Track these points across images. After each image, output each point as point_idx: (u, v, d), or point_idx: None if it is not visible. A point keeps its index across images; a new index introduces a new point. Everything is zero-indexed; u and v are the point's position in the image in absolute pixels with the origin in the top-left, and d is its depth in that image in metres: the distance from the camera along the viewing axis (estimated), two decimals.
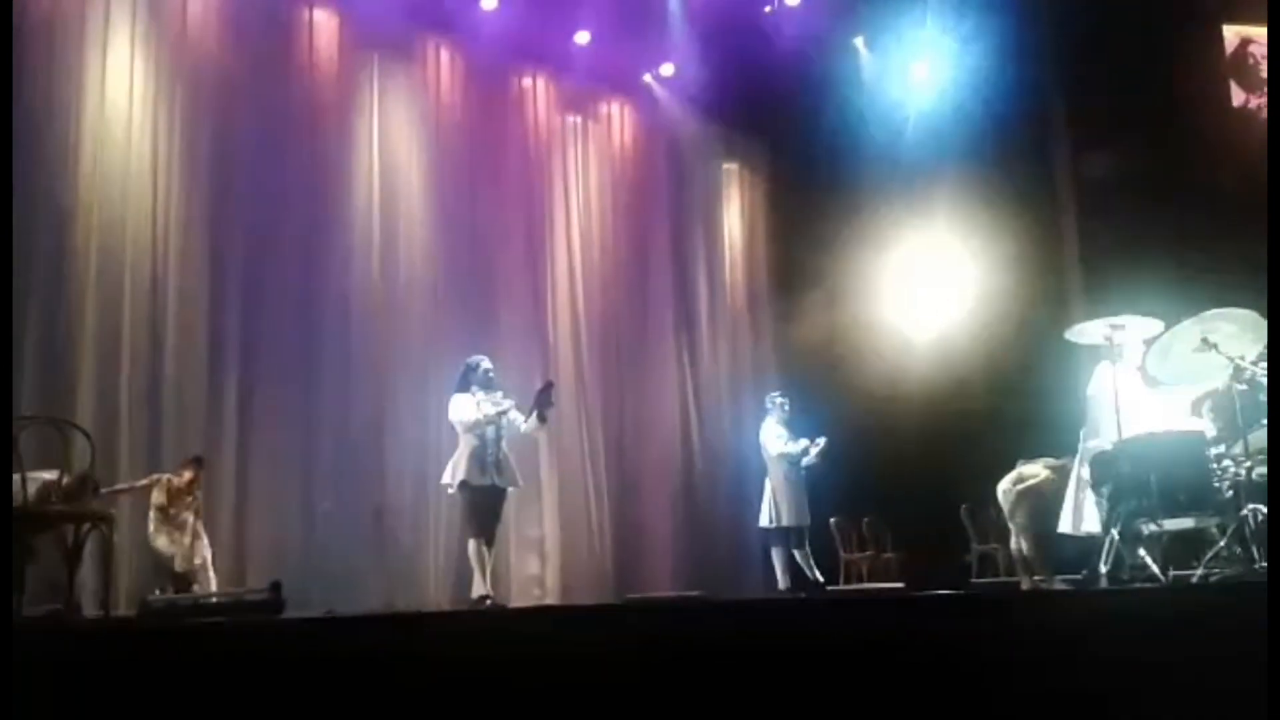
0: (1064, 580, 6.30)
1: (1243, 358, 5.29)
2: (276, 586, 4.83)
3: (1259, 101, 10.31)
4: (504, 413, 7.05)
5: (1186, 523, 5.37)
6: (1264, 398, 5.24)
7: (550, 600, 9.13)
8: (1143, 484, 5.31)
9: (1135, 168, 9.29)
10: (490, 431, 7.04)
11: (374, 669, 2.84)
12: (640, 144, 11.20)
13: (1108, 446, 5.65)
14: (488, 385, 7.15)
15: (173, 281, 7.69)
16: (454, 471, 7.02)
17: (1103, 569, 5.36)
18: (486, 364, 7.24)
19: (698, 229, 11.45)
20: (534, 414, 7.14)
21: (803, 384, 10.13)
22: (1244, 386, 5.27)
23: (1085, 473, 5.88)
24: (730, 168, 11.93)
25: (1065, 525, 6.02)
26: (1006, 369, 9.59)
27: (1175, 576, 5.22)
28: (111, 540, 5.27)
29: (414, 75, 9.45)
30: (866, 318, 10.96)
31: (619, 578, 9.71)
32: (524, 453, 7.92)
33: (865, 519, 10.25)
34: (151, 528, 6.82)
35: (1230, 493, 5.24)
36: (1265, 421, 5.22)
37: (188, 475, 6.97)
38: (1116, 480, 5.51)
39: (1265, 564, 4.85)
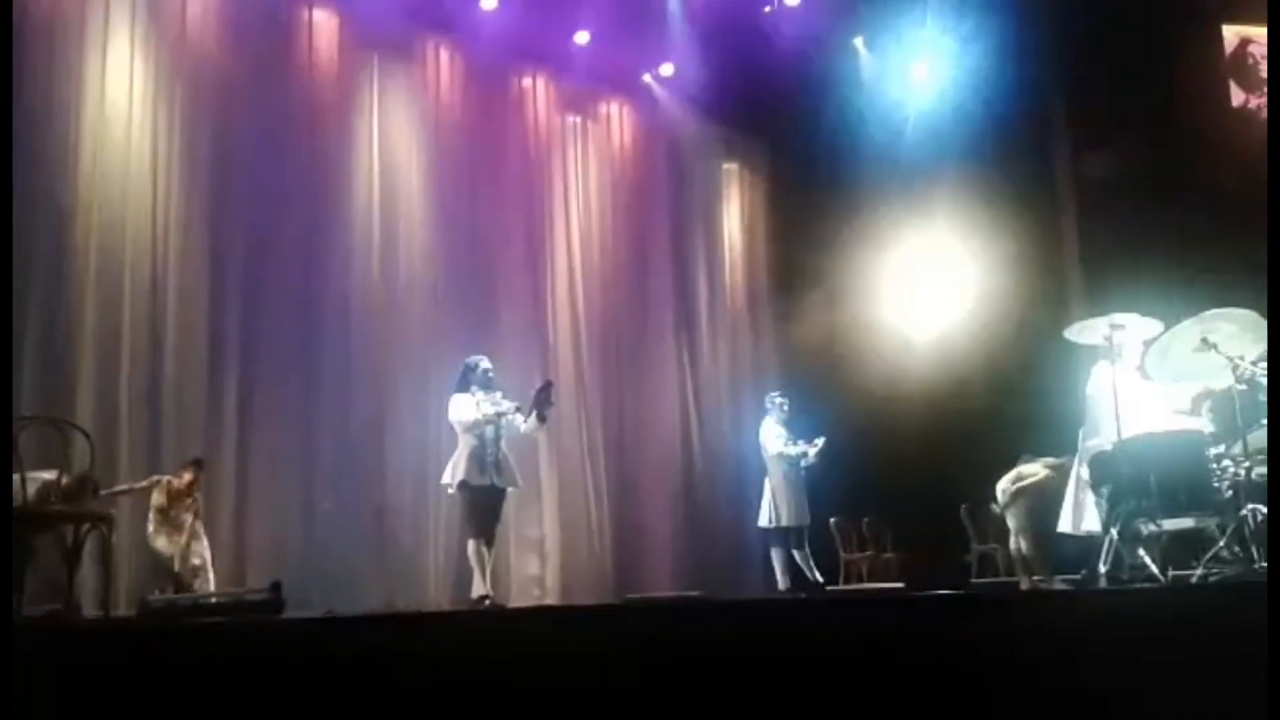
0: (1063, 580, 6.30)
1: (1242, 358, 5.30)
2: (276, 586, 4.82)
3: (1259, 101, 10.31)
4: (504, 414, 7.05)
5: (1186, 523, 5.37)
6: (1263, 398, 5.24)
7: (550, 600, 9.13)
8: (1142, 484, 5.32)
9: (1135, 168, 9.29)
10: (490, 431, 7.03)
11: (374, 669, 2.84)
12: (640, 144, 11.20)
13: (1107, 446, 5.65)
14: (487, 385, 7.15)
15: (173, 281, 7.68)
16: (454, 471, 7.02)
17: (1102, 569, 5.36)
18: (486, 364, 7.23)
19: (697, 229, 11.45)
20: (534, 414, 7.14)
21: (803, 384, 10.13)
22: (1244, 386, 5.27)
23: (1085, 472, 5.88)
24: (730, 168, 11.93)
25: (1065, 524, 6.03)
26: (1006, 369, 9.59)
27: (1175, 576, 5.22)
28: (111, 541, 5.27)
29: (414, 75, 9.44)
30: (866, 318, 10.96)
31: (619, 578, 9.71)
32: (524, 453, 7.92)
33: (865, 519, 10.25)
34: (151, 529, 6.82)
35: (1230, 493, 5.25)
36: (1265, 421, 5.23)
37: (187, 477, 6.96)
38: (1116, 480, 5.51)
39: (1265, 564, 4.85)
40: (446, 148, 9.49)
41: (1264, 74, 10.28)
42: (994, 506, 7.81)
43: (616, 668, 3.06)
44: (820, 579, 8.94)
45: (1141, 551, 5.28)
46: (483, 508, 7.05)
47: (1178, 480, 5.30)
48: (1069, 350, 6.33)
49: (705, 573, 9.82)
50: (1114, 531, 5.40)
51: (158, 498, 6.83)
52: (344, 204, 8.76)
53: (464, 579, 7.29)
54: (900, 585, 9.04)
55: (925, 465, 9.68)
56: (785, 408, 9.25)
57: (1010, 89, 9.88)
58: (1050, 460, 7.28)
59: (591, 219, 10.69)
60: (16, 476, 4.81)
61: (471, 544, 7.02)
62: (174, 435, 7.44)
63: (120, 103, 7.61)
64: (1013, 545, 7.59)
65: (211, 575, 6.94)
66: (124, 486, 6.72)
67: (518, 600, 8.75)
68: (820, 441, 8.98)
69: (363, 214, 8.85)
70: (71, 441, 5.35)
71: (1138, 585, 5.16)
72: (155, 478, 6.92)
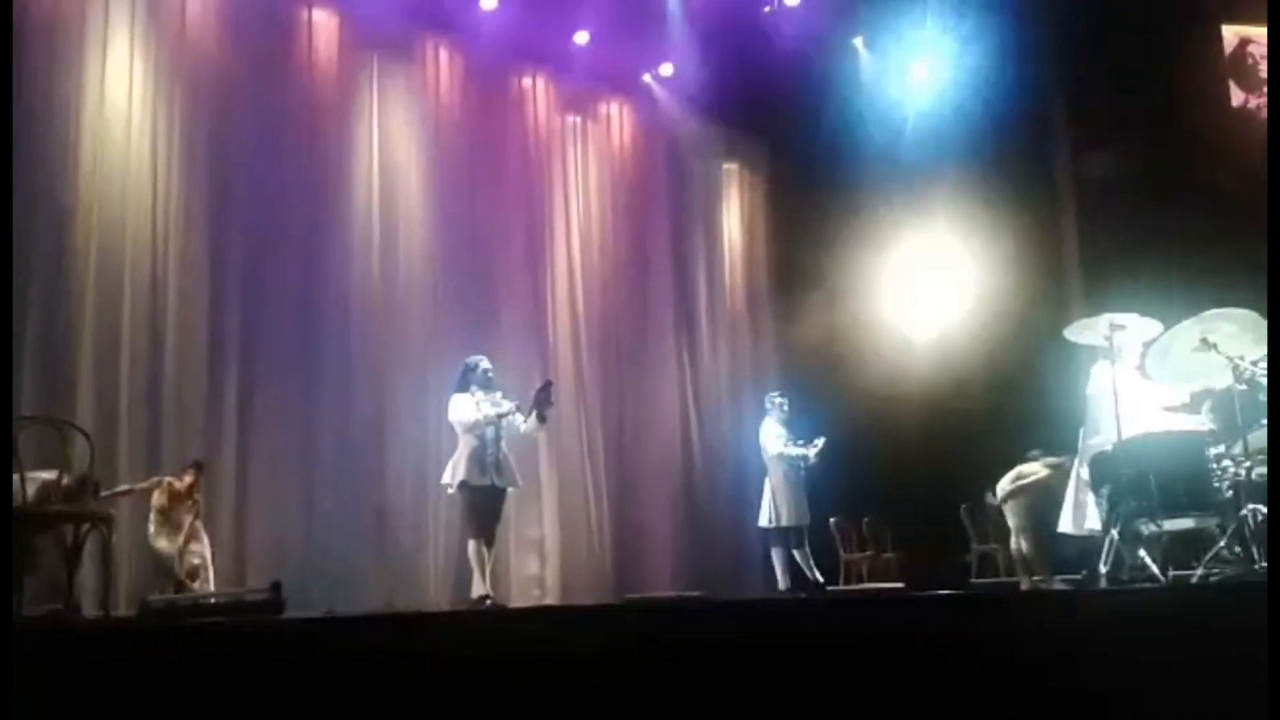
0: (1064, 580, 6.30)
1: (1242, 358, 5.29)
2: (277, 587, 4.82)
3: (1258, 102, 10.31)
4: (504, 414, 7.05)
5: (1186, 523, 5.38)
6: (1264, 398, 5.24)
7: (550, 600, 9.13)
8: (1142, 484, 5.32)
9: (1135, 168, 9.29)
10: (490, 432, 7.03)
11: (374, 669, 2.84)
12: (640, 144, 11.20)
13: (1107, 446, 5.65)
14: (487, 385, 7.15)
15: (172, 281, 7.68)
16: (454, 472, 7.02)
17: (1102, 569, 5.36)
18: (486, 364, 7.23)
19: (697, 229, 11.45)
20: (533, 414, 7.14)
21: (803, 384, 10.14)
22: (1244, 387, 5.27)
23: (1086, 472, 5.88)
24: (730, 168, 11.93)
25: (1066, 525, 6.02)
26: (1006, 369, 9.59)
27: (1175, 577, 5.22)
28: (111, 541, 5.27)
29: (413, 75, 9.44)
30: (866, 318, 10.96)
31: (619, 578, 9.70)
32: (524, 453, 7.92)
33: (865, 519, 10.25)
34: (152, 529, 6.83)
35: (1230, 493, 5.24)
36: (1265, 421, 5.22)
37: (188, 479, 6.98)
38: (1116, 480, 5.51)
39: (1265, 564, 4.85)
40: (446, 148, 9.49)
41: (1264, 74, 10.28)
42: (989, 497, 7.78)
43: (616, 668, 3.06)
44: (820, 579, 8.94)
45: (1142, 552, 5.28)
46: (483, 508, 7.05)
47: (1178, 480, 5.29)
48: (1069, 350, 6.33)
49: (705, 573, 9.82)
50: (1114, 532, 5.40)
51: (159, 499, 6.85)
52: (344, 204, 8.76)
53: (464, 579, 7.29)
54: (900, 585, 9.04)
55: (925, 465, 9.68)
56: (785, 408, 9.25)
57: (1010, 89, 9.88)
58: (1051, 460, 7.28)
59: (591, 219, 10.69)
60: (16, 476, 4.81)
61: (472, 544, 7.02)
62: (174, 435, 7.44)
63: (120, 103, 7.61)
64: (1013, 545, 7.59)
65: (212, 575, 6.95)
66: (125, 487, 6.72)
67: (518, 600, 8.75)
68: (820, 442, 8.99)
69: (362, 214, 8.85)
70: (71, 442, 5.34)
71: (1138, 585, 5.16)
72: (156, 479, 6.93)
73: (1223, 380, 5.39)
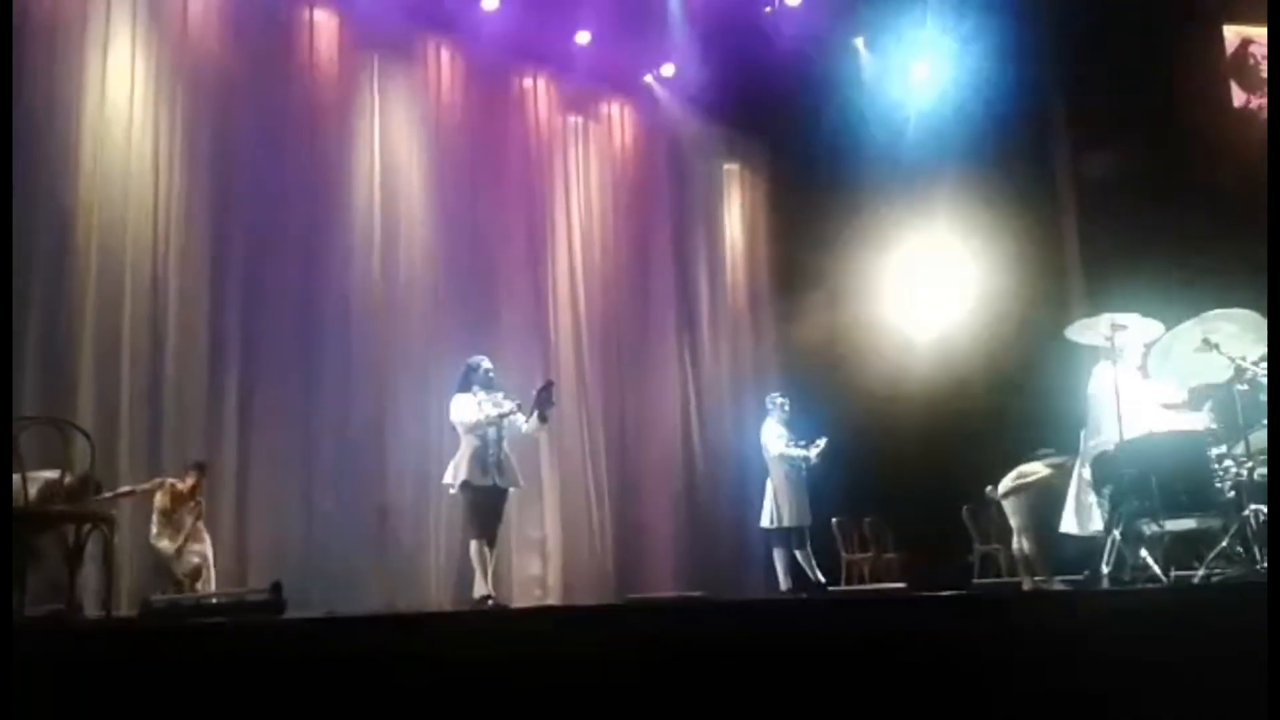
0: (1065, 581, 6.29)
1: (1244, 358, 5.29)
2: (278, 587, 4.83)
3: (1260, 102, 10.30)
4: (506, 415, 7.06)
5: (1188, 523, 5.37)
6: (1265, 398, 5.23)
7: (552, 601, 9.13)
8: (1144, 484, 5.31)
9: (1136, 168, 9.28)
10: (492, 432, 7.04)
11: (375, 669, 2.84)
12: (641, 144, 11.20)
13: (1109, 447, 5.65)
14: (489, 385, 7.16)
15: (173, 281, 7.68)
16: (456, 472, 7.02)
17: (1104, 569, 5.36)
18: (487, 364, 7.24)
19: (699, 229, 11.46)
20: (535, 414, 7.14)
21: (804, 384, 10.14)
22: (1245, 387, 5.27)
23: (1087, 473, 5.88)
24: (731, 168, 11.93)
25: (1069, 525, 6.02)
26: (1007, 369, 9.58)
27: (1177, 577, 5.21)
28: (113, 541, 5.27)
29: (414, 75, 9.44)
30: (867, 318, 10.96)
31: (620, 578, 9.71)
32: (525, 453, 7.92)
33: (867, 519, 10.25)
34: (154, 530, 6.84)
35: (1232, 493, 5.24)
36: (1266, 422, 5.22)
37: (190, 481, 6.99)
38: (1118, 481, 5.51)
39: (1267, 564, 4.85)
40: (447, 148, 9.50)
41: (1265, 74, 10.27)
42: (989, 491, 7.75)
43: (618, 668, 3.06)
44: (822, 579, 8.94)
45: (1144, 552, 5.28)
46: (485, 508, 7.05)
47: (1180, 481, 5.29)
48: (1070, 350, 6.32)
49: (707, 573, 9.82)
50: (1116, 532, 5.40)
51: (161, 500, 6.86)
52: (345, 204, 8.76)
53: (465, 579, 7.29)
54: (902, 586, 9.03)
55: (927, 465, 9.67)
56: (786, 408, 9.25)
57: (1011, 89, 9.88)
58: (1052, 459, 7.27)
59: (593, 219, 10.69)
60: (18, 476, 4.81)
61: (474, 544, 7.03)
62: (174, 435, 7.44)
63: (121, 103, 7.61)
64: (1015, 545, 7.57)
65: (213, 575, 6.95)
66: (128, 488, 6.72)
67: (519, 600, 8.76)
68: (822, 442, 8.99)
69: (363, 214, 8.85)
70: (72, 442, 5.35)
71: (1140, 586, 5.15)
72: (159, 480, 6.93)
73: (1222, 377, 5.38)
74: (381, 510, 8.33)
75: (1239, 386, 5.27)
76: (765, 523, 9.07)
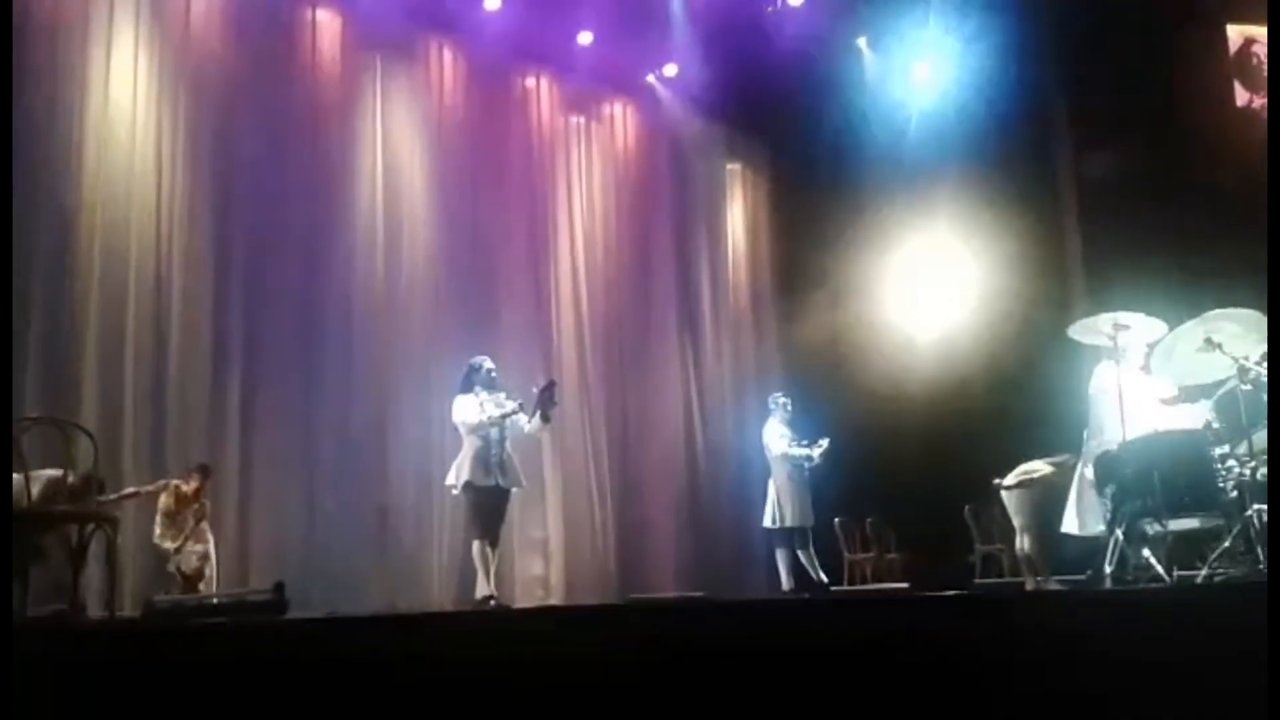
0: (1067, 581, 6.28)
1: (1247, 358, 5.28)
2: (280, 587, 4.83)
3: (1262, 101, 10.29)
4: (508, 415, 7.06)
5: (1191, 523, 5.36)
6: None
7: (554, 601, 9.13)
8: (1146, 484, 5.30)
9: (1137, 168, 9.27)
10: (494, 432, 7.05)
11: (377, 670, 2.84)
12: (643, 144, 11.20)
13: (1112, 446, 5.64)
14: (491, 386, 7.17)
15: (176, 281, 7.69)
16: (458, 472, 7.03)
17: (1107, 569, 5.35)
18: (489, 364, 7.25)
19: (701, 229, 11.46)
20: (537, 414, 7.15)
21: (806, 384, 10.14)
22: (1248, 387, 5.26)
23: (1090, 472, 5.88)
24: (733, 168, 11.93)
25: (1070, 525, 6.01)
26: (1009, 368, 9.57)
27: (1180, 577, 5.21)
28: (116, 541, 5.27)
29: (416, 76, 9.45)
30: (869, 317, 10.96)
31: (622, 578, 9.71)
32: (528, 453, 7.93)
33: (869, 519, 10.24)
34: (158, 531, 6.85)
35: (1234, 493, 5.23)
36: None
37: (194, 482, 7.00)
38: (1120, 480, 5.50)
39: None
40: (449, 148, 9.50)
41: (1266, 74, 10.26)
42: (995, 482, 7.72)
43: (620, 668, 3.06)
44: (824, 579, 8.94)
45: (1146, 552, 5.27)
46: (487, 508, 7.06)
47: (1182, 480, 5.28)
48: (1072, 350, 6.32)
49: (709, 573, 9.83)
50: (1119, 532, 5.39)
51: (165, 501, 6.86)
52: (347, 204, 8.77)
53: (467, 579, 7.30)
54: (904, 586, 9.03)
55: (929, 465, 9.68)
56: (788, 408, 9.25)
57: (1012, 89, 9.88)
58: (1054, 459, 7.27)
59: (595, 219, 10.69)
60: (21, 476, 4.82)
61: (476, 544, 7.03)
62: (177, 435, 7.45)
63: (124, 103, 7.61)
64: (1018, 545, 7.57)
65: (216, 576, 6.96)
66: (132, 490, 6.73)
67: (522, 600, 8.76)
68: (824, 443, 9.00)
69: (365, 214, 8.85)
70: (75, 442, 5.35)
71: (1142, 586, 5.15)
72: (163, 481, 6.94)
73: (1222, 372, 5.38)
74: (383, 510, 8.33)
75: (1243, 386, 5.26)
76: (768, 523, 9.07)
